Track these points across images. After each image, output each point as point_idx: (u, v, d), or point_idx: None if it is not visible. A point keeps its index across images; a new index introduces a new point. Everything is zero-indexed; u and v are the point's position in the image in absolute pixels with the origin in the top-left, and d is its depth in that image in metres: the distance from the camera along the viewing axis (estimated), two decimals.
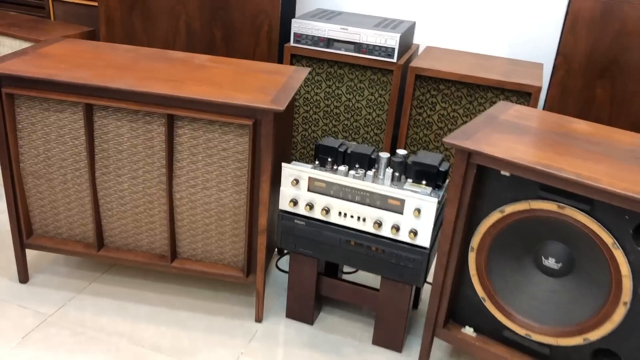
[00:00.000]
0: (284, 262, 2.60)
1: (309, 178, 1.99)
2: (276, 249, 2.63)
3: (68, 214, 2.18)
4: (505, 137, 1.79)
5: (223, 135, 1.96)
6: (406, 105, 2.85)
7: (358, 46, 2.84)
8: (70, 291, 2.29)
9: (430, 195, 1.94)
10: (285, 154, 2.33)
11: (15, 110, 2.03)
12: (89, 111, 1.99)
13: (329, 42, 2.87)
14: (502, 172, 1.69)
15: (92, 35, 3.12)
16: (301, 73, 2.25)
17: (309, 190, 2.01)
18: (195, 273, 2.18)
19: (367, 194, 1.95)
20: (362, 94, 2.95)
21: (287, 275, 2.50)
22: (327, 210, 1.99)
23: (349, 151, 2.15)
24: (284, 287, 2.43)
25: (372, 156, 2.12)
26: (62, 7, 3.37)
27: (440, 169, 2.04)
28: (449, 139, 1.74)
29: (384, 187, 1.92)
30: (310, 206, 2.01)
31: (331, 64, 2.94)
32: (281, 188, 2.03)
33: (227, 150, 1.98)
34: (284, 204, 2.05)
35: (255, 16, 3.03)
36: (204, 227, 2.11)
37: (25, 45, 2.95)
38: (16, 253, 2.25)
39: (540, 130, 1.89)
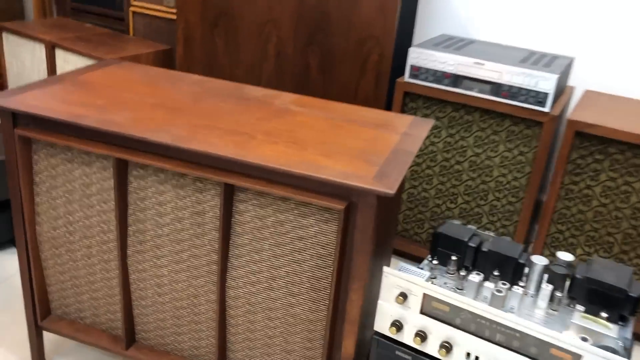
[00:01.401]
0: None
1: (424, 295, 1.32)
2: None
3: (92, 296, 1.64)
4: None
5: (301, 218, 1.33)
6: (557, 169, 2.10)
7: (496, 87, 2.13)
8: None
9: (618, 342, 1.21)
10: (387, 243, 1.66)
11: (32, 158, 1.52)
12: (121, 168, 1.43)
13: (457, 79, 2.19)
14: None
15: (168, 55, 2.62)
16: (421, 129, 1.58)
17: (422, 312, 1.33)
18: None
19: (517, 334, 1.24)
20: (495, 149, 2.24)
21: None
22: (447, 348, 1.30)
23: (484, 248, 1.46)
24: None
25: (520, 260, 1.42)
26: (143, 20, 2.91)
27: (631, 293, 1.30)
28: None
29: (550, 332, 1.21)
30: (422, 337, 1.33)
31: (457, 108, 2.25)
32: (379, 302, 1.37)
33: (305, 240, 1.35)
34: (382, 326, 1.39)
35: (362, 42, 2.40)
36: (265, 339, 1.49)
37: (89, 62, 2.50)
38: (30, 335, 1.73)
39: None
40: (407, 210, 2.50)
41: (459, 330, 1.29)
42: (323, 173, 1.25)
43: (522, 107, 2.11)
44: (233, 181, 1.32)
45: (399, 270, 1.35)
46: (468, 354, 1.29)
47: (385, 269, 1.35)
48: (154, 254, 1.50)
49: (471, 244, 1.49)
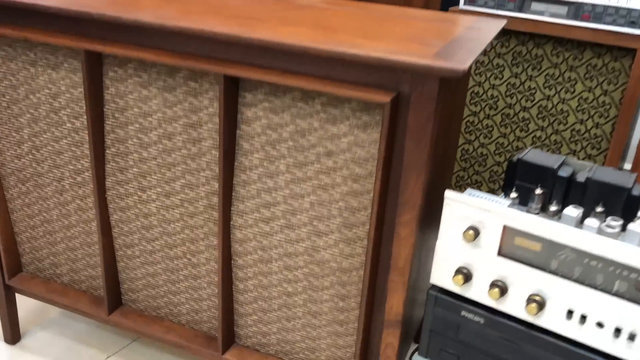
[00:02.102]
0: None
1: (505, 229, 0.92)
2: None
3: (69, 245, 1.30)
4: None
5: (330, 125, 0.96)
6: None
7: (575, 8, 1.72)
8: None
9: None
10: (446, 170, 1.28)
11: None
12: (94, 67, 1.09)
13: (524, 2, 1.79)
14: None
15: None
16: (491, 25, 1.19)
17: (501, 253, 0.94)
18: None
19: None
20: (571, 90, 1.82)
21: None
22: (539, 304, 0.91)
23: (579, 179, 1.07)
24: None
25: (635, 192, 1.02)
26: None
27: None
28: None
29: None
30: (502, 289, 0.94)
31: (523, 40, 1.85)
32: (439, 243, 0.99)
33: (335, 156, 0.98)
34: (443, 276, 1.00)
35: None
36: (283, 297, 1.12)
37: None
38: None
39: None
40: (460, 170, 2.10)
41: (556, 278, 0.90)
42: (361, 49, 0.88)
43: (609, 32, 1.69)
44: (236, 72, 0.96)
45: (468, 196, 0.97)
46: (570, 312, 0.90)
47: (448, 193, 0.96)
48: (138, 185, 1.15)
49: (562, 174, 1.10)
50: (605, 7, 1.67)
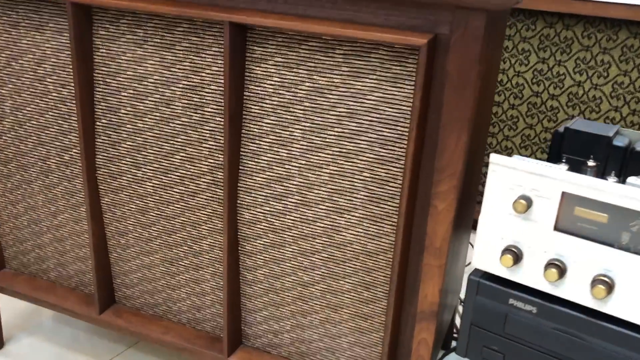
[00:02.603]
0: None
1: (564, 196, 0.78)
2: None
3: (56, 235, 1.15)
4: None
5: (353, 80, 0.82)
6: None
7: None
8: None
9: None
10: (480, 146, 1.13)
11: None
12: (81, 22, 0.95)
13: None
14: None
15: None
16: None
17: (558, 228, 0.79)
18: None
19: None
20: (604, 75, 1.69)
21: None
22: (608, 287, 0.76)
23: (639, 147, 0.94)
24: None
25: None
26: None
27: None
28: None
29: None
30: (560, 270, 0.78)
31: (551, 21, 1.72)
32: (482, 218, 0.84)
33: (360, 116, 0.84)
34: (487, 258, 0.85)
35: None
36: (299, 289, 0.97)
37: None
38: None
39: None
40: (484, 165, 1.96)
41: (627, 255, 0.75)
42: None
43: None
44: (244, 18, 0.82)
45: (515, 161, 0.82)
46: None
47: (494, 157, 0.81)
48: (132, 162, 1.01)
49: (618, 143, 0.96)
50: None
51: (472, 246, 1.76)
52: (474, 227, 1.67)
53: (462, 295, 1.50)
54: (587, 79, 1.72)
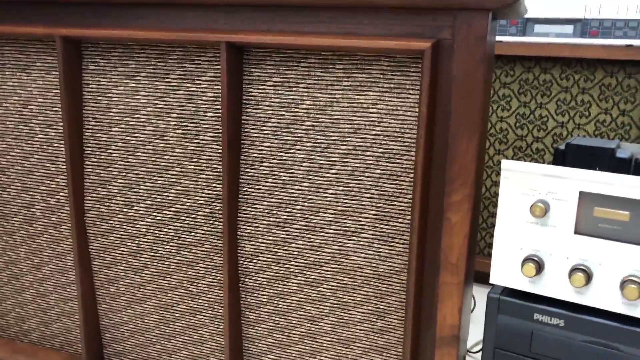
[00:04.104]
0: None
1: (583, 196, 0.75)
2: None
3: (39, 290, 1.08)
4: None
5: (353, 92, 0.81)
6: None
7: (582, 26, 1.65)
8: None
9: None
10: (483, 157, 1.11)
11: None
12: (71, 57, 0.93)
13: (527, 24, 1.72)
14: None
15: None
16: None
17: (579, 231, 0.76)
18: None
19: None
20: (586, 114, 1.71)
21: None
22: None
23: None
24: None
25: None
26: None
27: None
28: None
29: None
30: (586, 275, 0.74)
31: (528, 66, 1.76)
32: (497, 228, 0.81)
33: (362, 130, 0.81)
34: (506, 271, 0.81)
35: None
36: (304, 325, 0.91)
37: None
38: None
39: None
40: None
41: None
42: None
43: (621, 46, 1.61)
44: (241, 38, 0.81)
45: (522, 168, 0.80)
46: None
47: (506, 163, 0.79)
48: (124, 200, 0.96)
49: (621, 155, 0.95)
50: (614, 21, 1.60)
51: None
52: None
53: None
54: (569, 120, 1.74)
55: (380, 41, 0.76)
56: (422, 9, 0.75)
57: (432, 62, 0.74)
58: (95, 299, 1.04)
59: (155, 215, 0.95)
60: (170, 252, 0.96)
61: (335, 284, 0.87)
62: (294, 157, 0.85)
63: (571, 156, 0.97)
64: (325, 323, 0.89)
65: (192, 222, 0.93)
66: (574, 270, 0.75)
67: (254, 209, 0.89)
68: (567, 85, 1.73)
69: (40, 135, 0.99)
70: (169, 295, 0.98)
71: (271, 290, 0.91)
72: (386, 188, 0.82)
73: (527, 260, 0.78)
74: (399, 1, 0.74)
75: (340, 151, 0.83)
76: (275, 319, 0.92)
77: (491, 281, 0.82)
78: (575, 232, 0.76)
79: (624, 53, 1.62)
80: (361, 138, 0.82)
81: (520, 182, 0.78)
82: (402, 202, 0.81)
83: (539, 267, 0.77)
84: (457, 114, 0.76)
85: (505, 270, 0.80)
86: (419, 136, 0.77)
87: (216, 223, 0.91)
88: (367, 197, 0.83)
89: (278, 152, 0.86)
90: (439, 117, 0.78)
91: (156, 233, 0.96)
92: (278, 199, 0.87)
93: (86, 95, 0.95)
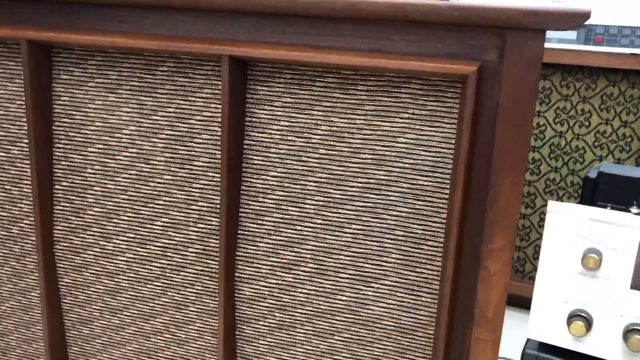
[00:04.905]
0: None
1: None
2: None
3: (5, 327, 0.94)
4: None
5: (377, 118, 0.69)
6: None
7: (586, 32, 1.57)
8: None
9: None
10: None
11: None
12: (39, 65, 0.79)
13: None
14: None
15: None
16: None
17: (635, 286, 0.66)
18: None
19: None
20: (586, 124, 1.64)
21: None
22: None
23: None
24: None
25: None
26: None
27: None
28: None
29: None
30: None
31: None
32: (539, 277, 0.70)
33: (386, 162, 0.70)
34: (548, 326, 0.71)
35: None
36: None
37: None
38: None
39: None
40: None
41: None
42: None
43: (626, 55, 1.54)
44: (247, 52, 0.68)
45: (566, 212, 0.70)
46: None
47: (553, 205, 0.69)
48: (100, 232, 0.83)
49: None
50: (620, 28, 1.52)
51: None
52: None
53: None
54: (568, 129, 1.67)
55: (414, 62, 0.64)
56: (465, 26, 0.64)
57: (475, 91, 0.63)
58: (65, 341, 0.90)
59: (138, 250, 0.82)
60: (154, 292, 0.83)
61: (349, 336, 0.76)
62: (304, 190, 0.73)
63: (605, 186, 0.88)
64: None
65: (181, 260, 0.80)
66: (630, 330, 0.66)
67: (255, 247, 0.77)
68: (567, 94, 1.65)
69: (0, 154, 0.84)
70: (152, 340, 0.85)
71: (273, 340, 0.79)
72: (413, 229, 0.71)
73: (575, 316, 0.68)
74: (439, 16, 0.63)
75: (360, 185, 0.71)
76: (280, 352, 0.81)
77: (528, 336, 0.73)
78: (632, 287, 0.66)
79: (628, 62, 1.55)
80: (385, 171, 0.70)
81: (569, 226, 0.68)
82: (431, 246, 0.71)
83: (588, 325, 0.68)
84: (501, 149, 0.65)
85: (546, 324, 0.71)
86: (457, 172, 0.66)
87: (210, 262, 0.79)
88: (390, 239, 0.72)
89: (286, 183, 0.74)
90: (478, 150, 0.67)
91: (138, 270, 0.83)
92: (284, 236, 0.75)
93: (57, 109, 0.81)
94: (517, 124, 0.64)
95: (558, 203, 0.69)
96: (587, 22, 1.55)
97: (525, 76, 0.63)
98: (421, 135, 0.68)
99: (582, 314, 0.68)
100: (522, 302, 1.76)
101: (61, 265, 0.86)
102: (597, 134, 1.64)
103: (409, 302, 0.73)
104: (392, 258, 0.72)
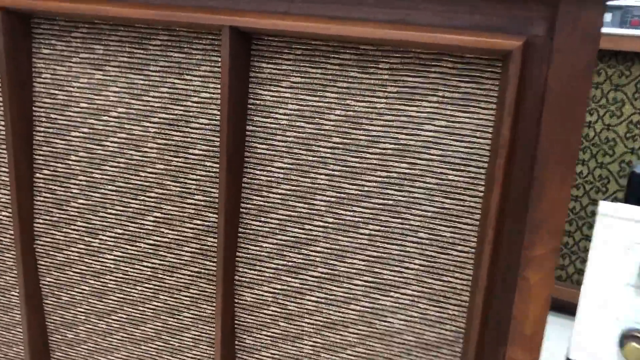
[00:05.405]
0: None
1: None
2: None
3: None
4: None
5: (401, 100, 0.59)
6: None
7: (622, 14, 1.45)
8: None
9: None
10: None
11: None
12: (17, 37, 0.70)
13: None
14: None
15: None
16: None
17: None
18: None
19: None
20: (617, 114, 1.53)
21: None
22: None
23: None
24: None
25: None
26: None
27: None
28: None
29: None
30: None
31: None
32: (585, 289, 0.61)
33: (411, 152, 0.60)
34: (595, 346, 0.61)
35: None
36: None
37: None
38: None
39: None
40: None
41: None
42: None
43: None
44: (251, 22, 0.59)
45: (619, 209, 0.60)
46: None
47: (604, 207, 0.59)
48: (86, 227, 0.74)
49: None
50: None
51: None
52: None
53: None
54: (598, 119, 1.56)
55: (446, 35, 0.54)
56: None
57: (522, 67, 0.53)
58: (48, 345, 0.82)
59: (127, 248, 0.73)
60: (145, 295, 0.74)
61: (363, 351, 0.67)
62: (314, 184, 0.64)
63: None
64: None
65: (174, 259, 0.71)
66: None
67: (258, 248, 0.68)
68: (598, 81, 1.53)
69: None
70: (142, 347, 0.76)
71: (276, 352, 0.70)
72: (440, 231, 0.61)
73: (630, 337, 0.58)
74: None
75: (380, 179, 0.62)
76: None
77: (571, 357, 0.63)
78: None
79: None
80: (408, 163, 0.61)
81: (624, 232, 0.58)
82: (460, 252, 0.61)
83: None
84: (549, 140, 0.55)
85: (593, 344, 0.61)
86: (494, 166, 0.56)
87: (207, 262, 0.70)
88: (413, 242, 0.62)
89: (293, 175, 0.65)
90: (520, 141, 0.57)
91: (127, 270, 0.74)
92: (291, 236, 0.66)
93: (37, 88, 0.72)
94: (568, 111, 0.54)
95: (610, 203, 0.59)
96: (623, 3, 1.44)
97: (580, 55, 0.53)
98: (452, 122, 0.59)
99: (637, 334, 0.59)
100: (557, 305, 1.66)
101: (42, 263, 0.77)
102: (629, 125, 1.53)
103: (433, 315, 0.63)
104: (415, 264, 0.63)
